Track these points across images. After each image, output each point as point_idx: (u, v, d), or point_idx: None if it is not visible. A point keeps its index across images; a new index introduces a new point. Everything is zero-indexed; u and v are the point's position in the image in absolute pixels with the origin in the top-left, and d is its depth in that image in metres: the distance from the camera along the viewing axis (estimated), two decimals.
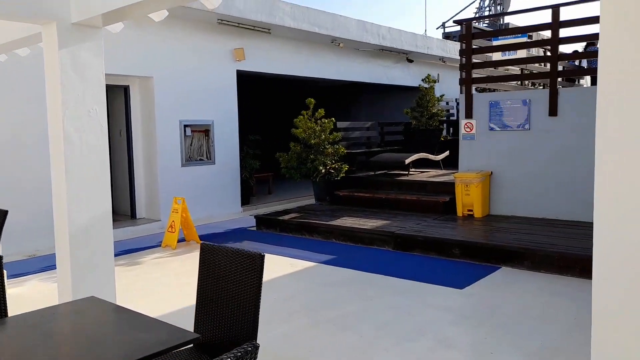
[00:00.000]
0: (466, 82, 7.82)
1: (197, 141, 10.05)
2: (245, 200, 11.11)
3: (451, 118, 13.46)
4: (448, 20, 24.74)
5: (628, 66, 2.59)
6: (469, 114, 7.88)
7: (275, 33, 10.55)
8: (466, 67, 7.79)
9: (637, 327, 2.46)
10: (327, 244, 7.56)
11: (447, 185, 8.45)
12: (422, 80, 12.23)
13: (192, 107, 9.71)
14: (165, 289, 5.69)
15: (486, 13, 25.24)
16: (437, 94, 12.47)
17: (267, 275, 6.13)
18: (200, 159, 10.10)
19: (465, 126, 7.96)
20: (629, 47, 2.57)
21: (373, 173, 10.09)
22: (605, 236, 2.64)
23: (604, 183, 2.61)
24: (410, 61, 14.69)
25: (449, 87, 14.87)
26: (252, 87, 16.30)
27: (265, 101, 17.93)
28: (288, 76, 11.68)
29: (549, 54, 9.81)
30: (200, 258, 2.86)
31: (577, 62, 10.69)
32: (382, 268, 6.22)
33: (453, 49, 15.33)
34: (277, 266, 6.42)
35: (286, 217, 8.50)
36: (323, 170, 9.20)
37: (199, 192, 9.85)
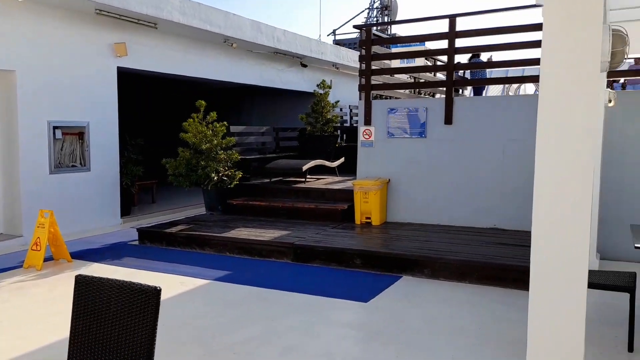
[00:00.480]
0: (365, 89, 7.73)
1: (69, 145, 8.87)
2: (126, 211, 10.06)
3: (344, 125, 13.50)
4: (339, 28, 25.19)
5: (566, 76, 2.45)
6: (367, 121, 7.80)
7: (163, 28, 9.70)
8: (366, 73, 7.70)
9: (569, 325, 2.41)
10: (221, 258, 6.97)
11: (345, 192, 8.29)
12: (317, 85, 12.08)
13: (63, 107, 8.53)
14: (29, 320, 4.73)
15: (374, 22, 26.10)
16: (331, 100, 12.40)
17: None
18: (73, 166, 8.92)
19: (364, 133, 7.87)
20: (568, 58, 2.45)
21: (269, 180, 9.67)
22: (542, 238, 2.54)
23: (542, 187, 2.47)
24: (304, 66, 14.53)
25: (341, 94, 14.94)
26: (135, 86, 15.05)
27: (150, 102, 16.69)
28: (176, 76, 10.83)
29: (439, 63, 10.20)
30: (74, 294, 2.24)
31: (460, 73, 11.24)
32: (282, 283, 5.81)
33: (346, 56, 15.48)
34: (165, 286, 5.70)
35: (173, 229, 7.75)
36: (215, 178, 8.57)
37: (70, 203, 8.68)
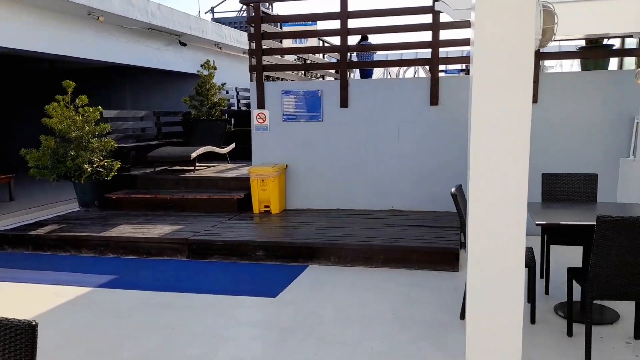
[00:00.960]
0: (257, 69, 7.27)
1: None
2: None
3: (232, 108, 12.87)
4: (217, 5, 24.03)
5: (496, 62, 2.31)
6: (261, 104, 7.37)
7: None
8: (256, 52, 7.23)
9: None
10: (103, 260, 6.15)
11: (240, 180, 7.82)
12: (201, 66, 11.28)
13: None
14: None
15: None
16: (217, 82, 11.68)
17: (24, 313, 4.55)
18: None
19: (258, 117, 7.43)
20: (497, 45, 2.30)
21: (153, 170, 8.81)
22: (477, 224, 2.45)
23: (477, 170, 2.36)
24: (184, 44, 13.53)
25: (226, 76, 14.22)
26: None
27: None
28: (29, 52, 9.35)
29: (327, 45, 10.04)
30: None
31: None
32: (179, 284, 5.26)
33: (229, 35, 14.74)
34: (36, 299, 4.85)
35: (41, 230, 6.69)
36: (89, 169, 7.56)
37: None
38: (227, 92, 12.59)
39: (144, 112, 9.71)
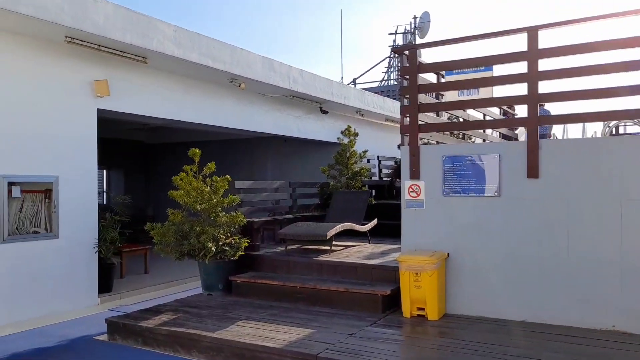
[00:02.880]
0: (411, 131, 5.76)
1: (32, 205, 7.03)
2: (106, 287, 8.05)
3: (372, 178, 11.50)
4: (360, 77, 23.77)
5: None
6: (415, 174, 5.78)
7: (154, 63, 8.04)
8: (410, 109, 5.75)
9: None
10: None
11: (386, 270, 6.16)
12: (342, 132, 10.20)
13: (24, 158, 6.75)
14: None
15: (392, 73, 24.50)
16: (358, 150, 10.45)
17: None
18: (35, 232, 7.03)
19: (410, 189, 5.84)
20: None
21: (284, 250, 7.60)
22: None
23: None
24: (325, 112, 12.78)
25: (367, 144, 13.04)
26: (118, 133, 13.45)
27: (137, 153, 15.09)
28: (169, 121, 9.08)
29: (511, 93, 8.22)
30: None
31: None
32: None
33: (372, 102, 13.75)
34: None
35: (153, 321, 5.66)
36: (213, 248, 6.55)
37: (30, 279, 6.74)
38: (368, 160, 11.28)
39: (279, 183, 8.72)
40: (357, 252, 7.36)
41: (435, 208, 5.75)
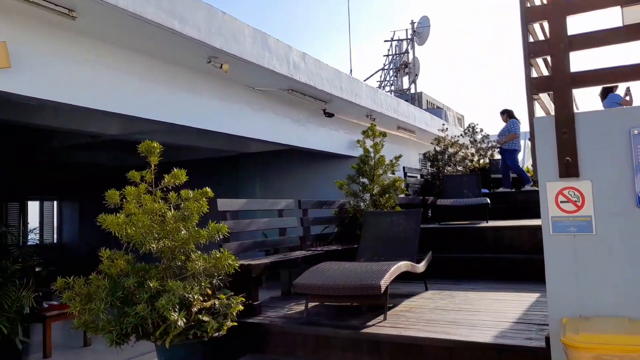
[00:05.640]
0: (556, 82, 2.94)
1: None
2: None
3: (399, 195, 8.61)
4: (369, 78, 21.33)
5: None
6: (569, 168, 2.94)
7: (86, 22, 5.15)
8: (554, 42, 2.92)
9: None
10: None
11: (523, 355, 3.26)
12: (362, 133, 7.35)
13: None
14: None
15: (388, 85, 22.18)
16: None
17: None
18: None
19: (562, 198, 3.00)
20: None
21: (303, 312, 4.61)
22: None
23: None
24: (330, 115, 10.00)
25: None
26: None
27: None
28: (118, 117, 6.09)
29: None
30: None
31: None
32: None
33: (385, 103, 11.02)
34: None
35: None
36: (181, 322, 3.55)
37: None
38: (393, 172, 8.34)
39: (285, 203, 5.74)
40: (428, 311, 4.44)
41: (617, 231, 2.91)
